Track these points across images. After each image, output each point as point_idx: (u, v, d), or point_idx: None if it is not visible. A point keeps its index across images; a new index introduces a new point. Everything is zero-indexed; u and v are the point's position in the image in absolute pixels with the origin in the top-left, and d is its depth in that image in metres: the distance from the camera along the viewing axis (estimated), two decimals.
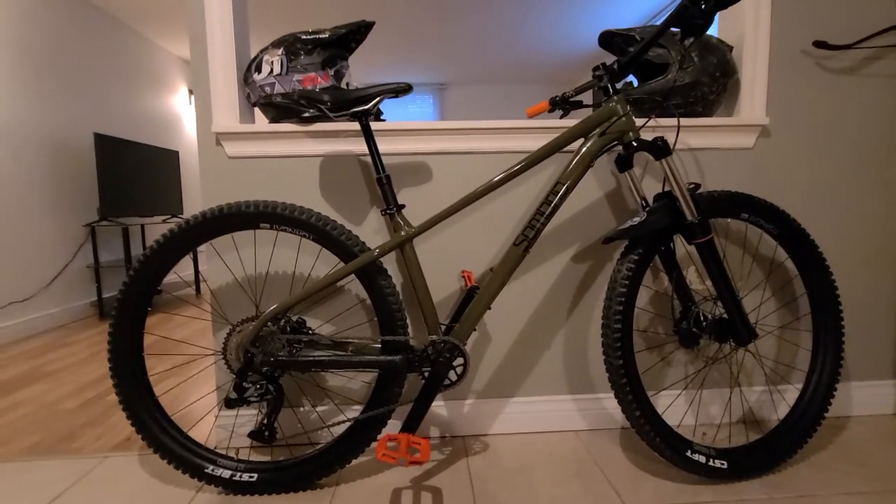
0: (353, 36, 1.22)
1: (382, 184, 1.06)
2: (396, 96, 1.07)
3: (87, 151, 2.98)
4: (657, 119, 1.24)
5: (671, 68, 1.21)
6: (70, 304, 2.83)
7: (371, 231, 1.26)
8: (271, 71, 1.15)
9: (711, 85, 1.22)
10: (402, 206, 1.08)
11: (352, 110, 1.05)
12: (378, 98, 1.05)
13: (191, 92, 4.47)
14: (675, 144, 1.23)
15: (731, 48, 1.29)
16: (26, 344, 2.38)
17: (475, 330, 1.26)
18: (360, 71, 4.97)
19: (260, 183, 1.23)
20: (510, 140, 1.25)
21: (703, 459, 1.05)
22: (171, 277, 4.01)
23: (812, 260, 1.15)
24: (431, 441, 1.30)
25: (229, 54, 1.19)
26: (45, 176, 2.67)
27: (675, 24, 0.95)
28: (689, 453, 1.05)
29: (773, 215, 1.12)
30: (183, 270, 4.20)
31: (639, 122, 1.19)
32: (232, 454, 1.22)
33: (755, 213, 1.12)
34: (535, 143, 1.26)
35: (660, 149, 1.02)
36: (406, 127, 1.22)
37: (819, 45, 1.28)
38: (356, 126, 1.20)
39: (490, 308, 1.27)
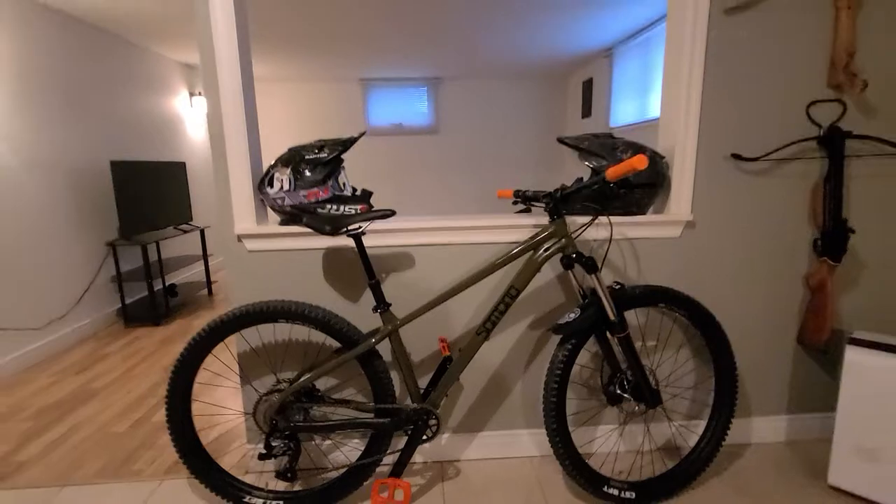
0: (346, 149, 1.47)
1: (373, 287, 1.35)
2: (383, 218, 1.34)
3: (104, 175, 3.21)
4: (599, 217, 1.52)
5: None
6: (98, 314, 3.16)
7: (367, 306, 1.56)
8: (282, 187, 1.41)
9: (643, 195, 1.48)
10: (390, 305, 1.38)
11: (348, 231, 1.32)
12: (367, 223, 1.32)
13: (191, 94, 4.60)
14: (610, 240, 1.51)
15: (663, 157, 1.54)
16: (68, 357, 2.72)
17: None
18: (357, 66, 5.06)
19: (276, 272, 1.52)
20: (479, 235, 1.53)
21: (615, 492, 1.41)
22: (186, 277, 4.32)
23: (715, 335, 1.46)
24: (415, 466, 1.65)
25: (246, 172, 1.45)
26: (68, 201, 2.92)
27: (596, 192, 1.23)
28: (605, 488, 1.40)
29: (684, 303, 1.42)
30: (193, 269, 4.51)
31: (583, 219, 1.47)
32: (261, 485, 1.57)
33: (668, 302, 1.42)
34: (500, 237, 1.53)
35: (588, 266, 1.30)
36: (395, 227, 1.49)
37: (734, 156, 1.53)
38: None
39: (457, 380, 1.56)
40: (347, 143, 1.45)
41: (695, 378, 1.69)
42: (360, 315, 1.56)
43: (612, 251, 1.57)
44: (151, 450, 1.79)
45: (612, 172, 1.15)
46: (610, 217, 1.50)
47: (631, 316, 1.61)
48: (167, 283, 3.75)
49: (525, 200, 1.53)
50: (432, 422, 1.39)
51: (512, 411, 1.67)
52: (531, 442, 1.68)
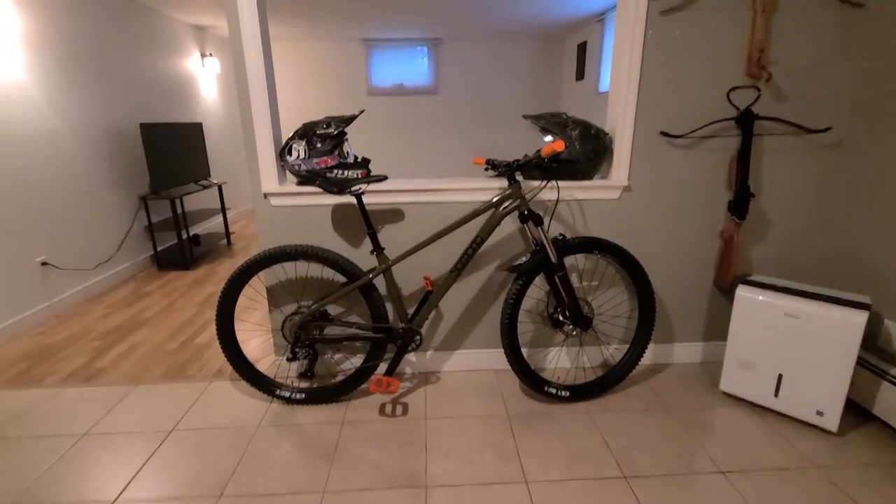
0: (348, 125, 1.84)
1: (372, 235, 1.76)
2: (377, 182, 1.74)
3: (135, 136, 3.57)
4: (551, 182, 1.89)
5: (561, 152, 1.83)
6: (136, 259, 3.62)
7: (366, 250, 1.97)
8: (299, 155, 1.79)
9: (587, 163, 1.84)
10: (384, 248, 1.79)
11: (350, 192, 1.72)
12: (366, 185, 1.71)
13: (202, 55, 4.84)
14: (557, 202, 1.90)
15: (607, 134, 1.89)
16: (115, 294, 3.20)
17: (435, 310, 2.03)
18: (359, 26, 5.23)
19: (295, 222, 1.92)
20: (457, 195, 1.91)
21: (554, 391, 1.87)
22: (207, 228, 4.75)
23: (639, 276, 1.87)
24: (405, 376, 2.13)
25: (269, 143, 1.82)
26: (105, 160, 3.31)
27: (540, 165, 1.61)
28: (546, 388, 1.87)
29: (614, 250, 1.82)
30: (213, 221, 4.93)
31: (537, 183, 1.85)
32: (288, 383, 2.05)
33: (601, 250, 1.82)
34: (474, 196, 1.91)
35: (536, 220, 1.70)
36: (388, 188, 1.88)
37: (663, 133, 1.88)
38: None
39: (437, 307, 1.99)
40: (349, 121, 1.82)
41: (626, 309, 2.12)
42: (361, 257, 1.97)
43: (563, 209, 1.96)
44: (199, 361, 2.28)
45: (545, 151, 1.52)
46: (558, 182, 1.88)
47: (576, 260, 2.02)
48: (191, 234, 4.18)
49: (494, 168, 1.91)
50: (416, 338, 1.84)
51: (483, 334, 2.12)
52: (497, 358, 2.15)
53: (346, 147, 1.89)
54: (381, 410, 1.87)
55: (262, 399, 1.95)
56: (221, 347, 1.85)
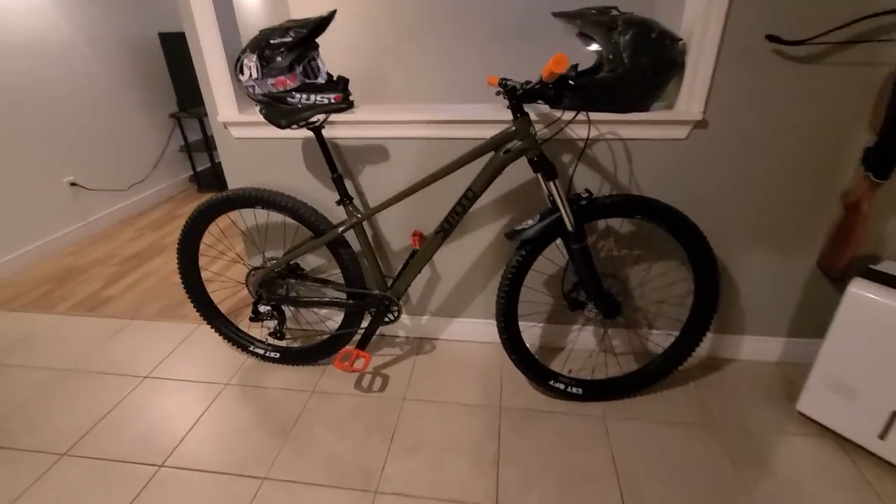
0: (315, 31, 1.39)
1: (336, 181, 1.39)
2: (337, 111, 1.32)
3: (155, 47, 3.35)
4: (587, 113, 1.34)
5: (602, 66, 1.26)
6: (174, 179, 3.61)
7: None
8: (251, 75, 1.41)
9: (640, 85, 1.26)
10: (352, 198, 1.42)
11: (302, 124, 1.33)
12: (323, 116, 1.31)
13: None
14: (586, 142, 1.37)
15: (678, 40, 1.25)
16: (149, 216, 3.23)
17: (431, 271, 1.68)
18: None
19: (260, 158, 1.60)
20: (453, 129, 1.44)
21: (562, 387, 1.49)
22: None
23: (698, 249, 1.34)
24: (398, 339, 1.86)
25: (220, 56, 1.45)
26: (129, 73, 3.16)
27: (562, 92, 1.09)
28: (551, 382, 1.49)
29: (663, 214, 1.29)
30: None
31: (567, 115, 1.32)
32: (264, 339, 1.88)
33: (645, 213, 1.30)
34: (476, 132, 1.44)
35: (548, 173, 1.21)
36: (363, 119, 1.46)
37: (772, 38, 1.20)
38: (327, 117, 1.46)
39: (432, 269, 1.62)
40: (317, 26, 1.37)
41: (678, 292, 1.60)
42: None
43: (601, 153, 1.42)
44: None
45: (545, 73, 0.99)
46: (588, 114, 1.32)
47: (616, 222, 1.51)
48: None
49: (505, 91, 1.39)
50: (393, 308, 1.52)
51: (489, 302, 1.74)
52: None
53: (316, 63, 1.47)
54: (358, 382, 1.64)
55: (239, 353, 1.81)
56: (189, 298, 1.68)
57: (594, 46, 1.27)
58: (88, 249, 2.74)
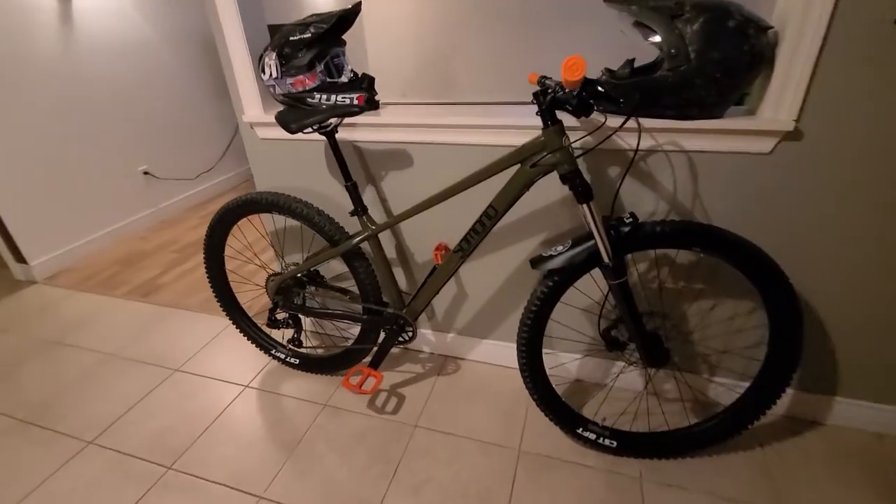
0: (338, 26, 1.28)
1: (349, 190, 1.29)
2: (349, 115, 1.21)
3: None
4: (640, 120, 1.11)
5: (662, 63, 1.02)
6: (238, 169, 3.76)
7: (368, 202, 1.51)
8: (271, 74, 1.34)
9: (708, 87, 1.00)
10: (366, 209, 1.31)
11: (315, 129, 1.23)
12: (336, 120, 1.20)
13: None
14: (635, 153, 1.14)
15: (769, 28, 0.98)
16: (214, 204, 3.39)
17: (457, 288, 1.54)
18: None
19: (286, 160, 1.54)
20: (482, 135, 1.27)
21: (592, 437, 1.29)
22: None
23: (777, 294, 1.06)
24: (422, 355, 1.74)
25: (245, 54, 1.39)
26: (202, 71, 3.31)
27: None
28: (580, 430, 1.29)
29: (732, 248, 1.04)
30: None
31: (616, 121, 1.09)
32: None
33: (708, 246, 1.05)
34: (509, 139, 1.25)
35: (580, 194, 1.00)
36: (383, 122, 1.34)
37: None
38: (347, 120, 1.36)
39: (437, 293, 1.42)
40: (336, 19, 1.26)
41: (750, 339, 1.31)
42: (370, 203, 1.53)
43: (661, 168, 1.17)
44: (238, 293, 2.22)
45: (564, 79, 0.79)
46: (639, 121, 1.09)
47: (672, 250, 1.26)
48: None
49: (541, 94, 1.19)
50: (408, 328, 1.40)
51: (515, 326, 1.56)
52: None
53: (340, 61, 1.37)
54: (372, 400, 1.55)
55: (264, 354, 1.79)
56: (215, 298, 1.69)
57: (655, 38, 1.04)
58: (155, 235, 2.93)
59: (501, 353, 1.63)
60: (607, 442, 1.29)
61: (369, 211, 1.34)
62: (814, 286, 1.20)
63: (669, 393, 1.48)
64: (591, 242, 1.05)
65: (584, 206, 1.01)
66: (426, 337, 1.72)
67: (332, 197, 1.54)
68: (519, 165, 1.08)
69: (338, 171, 1.49)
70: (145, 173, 2.99)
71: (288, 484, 1.28)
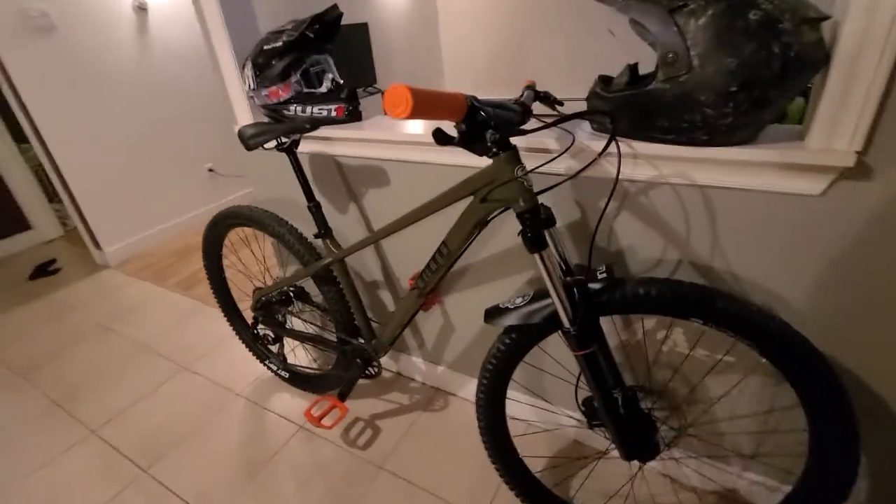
0: (318, 33, 1.19)
1: (312, 211, 1.19)
2: (292, 133, 1.11)
3: None
4: (631, 143, 0.86)
5: (657, 72, 0.76)
6: None
7: (353, 222, 1.41)
8: (249, 86, 1.28)
9: (719, 104, 0.73)
10: (331, 230, 1.21)
11: (277, 146, 1.15)
12: (287, 138, 1.12)
13: None
14: (616, 180, 0.89)
15: (815, 22, 0.68)
16: None
17: (444, 320, 1.38)
18: None
19: (275, 172, 1.49)
20: (456, 156, 1.10)
21: None
22: None
23: (819, 392, 0.76)
24: (413, 384, 1.61)
25: (231, 63, 1.35)
26: None
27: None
28: None
29: (755, 327, 0.76)
30: None
31: (597, 145, 0.85)
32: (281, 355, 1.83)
33: (716, 319, 0.78)
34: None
35: (527, 240, 0.79)
36: (360, 136, 1.21)
37: None
38: (321, 133, 1.27)
39: (402, 330, 1.24)
40: (307, 25, 1.16)
41: (792, 440, 0.98)
42: (349, 227, 1.43)
43: (668, 204, 0.91)
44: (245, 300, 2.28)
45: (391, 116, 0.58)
46: (618, 144, 0.83)
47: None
48: None
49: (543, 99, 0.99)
50: (373, 364, 1.27)
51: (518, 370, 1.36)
52: (529, 408, 1.39)
53: (320, 68, 1.27)
54: (348, 428, 1.46)
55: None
56: (217, 302, 1.72)
57: (648, 37, 0.79)
58: None
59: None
60: None
61: (353, 230, 1.24)
62: (879, 384, 0.85)
63: (684, 479, 1.18)
64: (549, 301, 0.83)
65: (538, 255, 0.80)
66: (417, 366, 1.58)
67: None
68: (472, 198, 0.89)
69: (325, 185, 1.41)
70: (210, 170, 3.21)
71: None
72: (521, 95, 0.93)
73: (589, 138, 0.90)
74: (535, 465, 1.27)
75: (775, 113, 0.75)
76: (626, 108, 0.83)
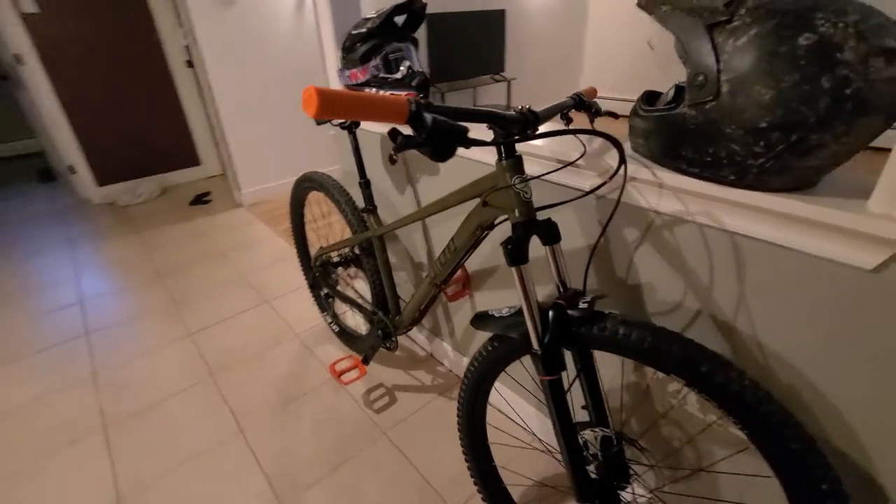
0: (393, 22, 1.26)
1: (361, 187, 1.29)
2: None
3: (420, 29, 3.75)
4: (656, 173, 0.77)
5: (686, 93, 0.67)
6: None
7: (410, 199, 1.49)
8: (340, 67, 1.41)
9: (750, 141, 0.62)
10: (375, 208, 1.30)
11: (338, 123, 1.26)
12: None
13: None
14: (616, 206, 0.81)
15: (890, 52, 0.53)
16: None
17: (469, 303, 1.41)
18: None
19: (371, 148, 1.63)
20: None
21: None
22: None
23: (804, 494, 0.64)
24: (439, 367, 1.67)
25: (332, 41, 1.50)
26: None
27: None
28: None
29: (744, 407, 0.65)
30: None
31: (631, 169, 0.79)
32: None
33: (700, 386, 0.68)
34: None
35: (509, 252, 0.77)
36: None
37: None
38: None
39: (421, 315, 1.28)
40: (386, 15, 1.24)
41: None
42: (404, 204, 1.51)
43: (693, 245, 0.80)
44: None
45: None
46: (626, 164, 0.74)
47: None
48: None
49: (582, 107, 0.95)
50: (391, 338, 1.35)
51: (526, 372, 1.34)
52: (538, 421, 1.35)
53: (398, 56, 1.35)
54: (369, 390, 1.59)
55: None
56: (297, 255, 1.95)
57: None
58: None
59: (512, 401, 1.43)
60: None
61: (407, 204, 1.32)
62: None
63: None
64: (519, 320, 0.81)
65: (514, 269, 0.78)
66: (447, 352, 1.63)
67: (382, 188, 1.58)
68: (478, 200, 0.90)
69: (391, 165, 1.51)
70: (334, 134, 3.57)
71: (261, 435, 1.45)
72: (559, 103, 0.89)
73: (629, 161, 0.83)
74: (511, 481, 1.24)
75: (826, 161, 0.61)
76: (657, 131, 0.75)
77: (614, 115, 1.00)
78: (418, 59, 1.35)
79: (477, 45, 3.84)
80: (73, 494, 1.28)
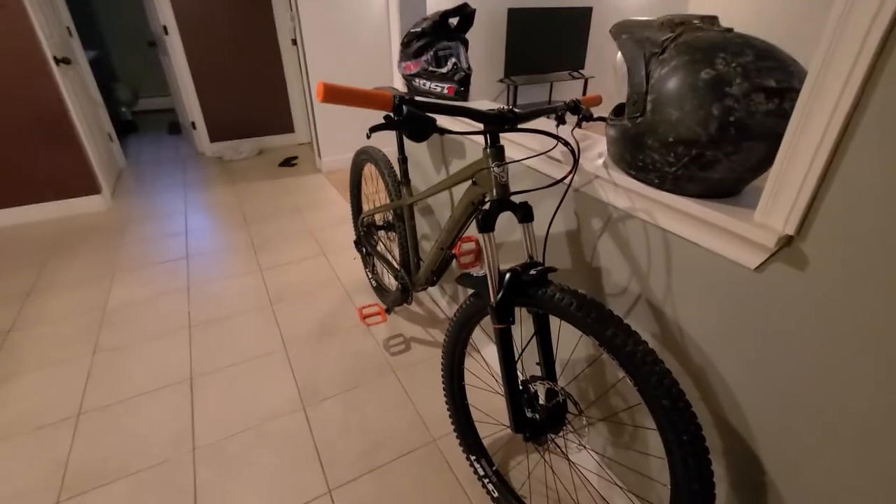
0: (447, 25, 1.48)
1: (399, 163, 1.54)
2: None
3: (501, 21, 3.85)
4: (611, 173, 0.92)
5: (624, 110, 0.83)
6: None
7: (443, 175, 1.71)
8: (399, 60, 1.66)
9: (664, 151, 0.76)
10: (409, 181, 1.54)
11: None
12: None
13: None
14: (564, 194, 0.98)
15: (776, 92, 0.65)
16: None
17: None
18: None
19: None
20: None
21: (480, 472, 1.25)
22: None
23: (680, 446, 0.79)
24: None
25: (397, 40, 1.75)
26: (474, 44, 3.86)
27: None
28: (473, 458, 1.27)
29: (628, 357, 0.82)
30: None
31: (596, 168, 0.96)
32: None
33: (607, 345, 0.85)
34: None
35: (479, 221, 0.97)
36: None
37: None
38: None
39: (435, 277, 1.49)
40: (439, 17, 1.46)
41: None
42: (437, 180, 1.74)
43: (637, 239, 0.95)
44: None
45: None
46: (577, 161, 0.89)
47: None
48: None
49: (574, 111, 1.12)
50: (408, 295, 1.60)
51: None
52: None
53: (447, 53, 1.57)
54: (392, 336, 1.86)
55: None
56: (353, 222, 2.27)
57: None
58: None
59: (484, 354, 1.62)
60: (490, 486, 1.23)
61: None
62: (775, 456, 0.77)
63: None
64: (483, 278, 1.01)
65: (482, 236, 0.98)
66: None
67: (423, 164, 1.82)
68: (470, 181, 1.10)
69: (429, 144, 1.74)
70: None
71: (299, 354, 1.78)
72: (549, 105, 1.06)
73: (594, 161, 0.99)
74: (479, 418, 1.44)
75: (726, 174, 0.74)
76: (615, 138, 0.90)
77: (605, 120, 1.14)
78: (466, 57, 1.56)
79: (558, 42, 3.90)
80: (158, 369, 1.71)
